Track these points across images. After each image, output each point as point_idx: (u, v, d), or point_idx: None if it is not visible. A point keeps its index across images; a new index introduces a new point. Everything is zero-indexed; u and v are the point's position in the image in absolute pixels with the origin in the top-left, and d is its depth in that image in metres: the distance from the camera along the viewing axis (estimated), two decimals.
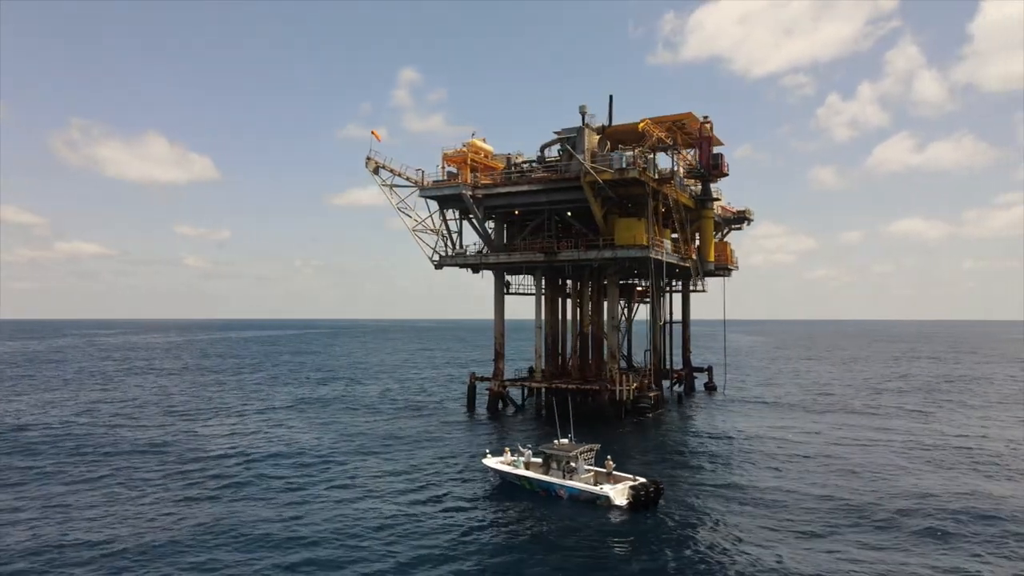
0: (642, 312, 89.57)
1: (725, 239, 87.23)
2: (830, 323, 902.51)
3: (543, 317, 71.96)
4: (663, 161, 68.68)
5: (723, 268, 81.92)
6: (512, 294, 75.71)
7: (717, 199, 77.65)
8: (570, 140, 63.19)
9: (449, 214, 71.06)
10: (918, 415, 69.78)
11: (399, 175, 67.03)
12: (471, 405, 73.60)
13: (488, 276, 73.78)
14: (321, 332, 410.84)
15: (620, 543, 30.56)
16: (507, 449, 43.29)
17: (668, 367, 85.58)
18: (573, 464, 38.47)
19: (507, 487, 40.21)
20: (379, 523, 33.06)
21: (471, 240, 76.90)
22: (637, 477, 37.81)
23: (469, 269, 72.46)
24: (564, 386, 66.82)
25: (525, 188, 64.81)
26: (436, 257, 70.61)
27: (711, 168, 73.77)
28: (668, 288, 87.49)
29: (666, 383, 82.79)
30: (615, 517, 34.12)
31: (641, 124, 64.81)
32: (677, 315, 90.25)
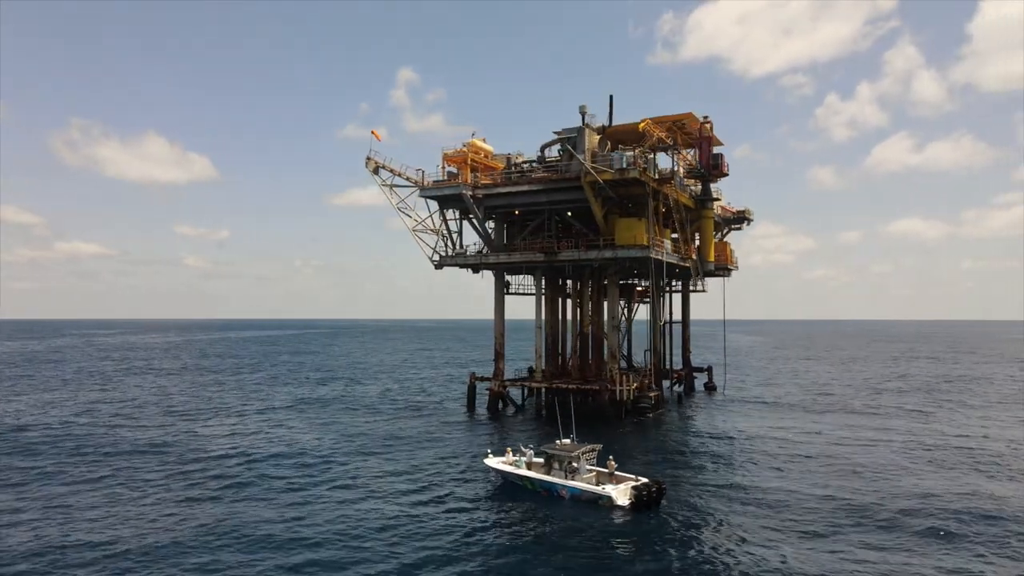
0: (642, 312, 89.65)
1: (725, 239, 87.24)
2: (828, 323, 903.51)
3: (543, 317, 71.96)
4: (663, 161, 68.81)
5: (723, 268, 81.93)
6: (512, 294, 75.74)
7: (717, 199, 77.67)
8: (570, 140, 63.18)
9: (449, 214, 71.06)
10: (918, 415, 69.82)
11: (399, 175, 67.01)
12: (471, 405, 73.59)
13: (488, 276, 73.79)
14: (320, 332, 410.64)
15: (623, 543, 30.53)
16: (509, 449, 43.28)
17: (668, 367, 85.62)
18: (575, 464, 38.45)
19: (509, 487, 40.20)
20: (381, 524, 33.02)
21: (471, 240, 77.01)
22: (639, 477, 37.80)
23: (469, 269, 72.45)
24: (564, 386, 66.84)
25: (525, 188, 64.80)
26: (436, 257, 70.60)
27: (711, 168, 73.80)
28: (668, 288, 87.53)
29: (666, 383, 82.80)
30: (617, 517, 34.11)
31: (642, 124, 64.82)
32: (677, 315, 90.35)
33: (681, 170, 72.26)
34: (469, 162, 67.66)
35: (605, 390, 63.49)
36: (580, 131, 63.02)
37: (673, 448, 52.38)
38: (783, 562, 28.10)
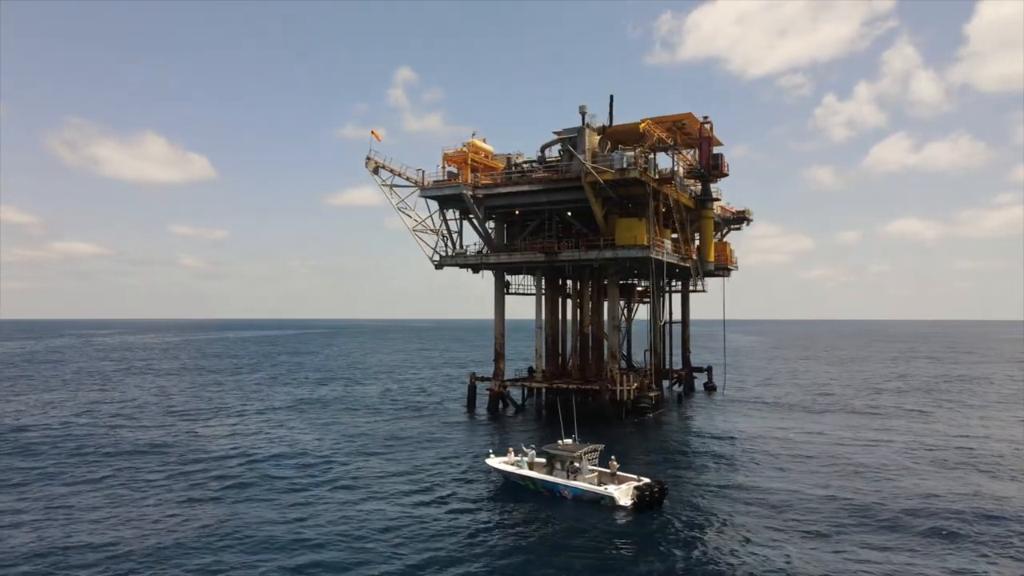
0: (642, 312, 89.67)
1: (724, 239, 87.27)
2: (826, 323, 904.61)
3: (543, 317, 71.96)
4: (663, 161, 68.85)
5: (723, 268, 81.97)
6: (512, 294, 75.71)
7: (717, 199, 77.74)
8: (571, 140, 63.14)
9: (449, 214, 71.02)
10: (918, 415, 69.90)
11: (399, 175, 66.95)
12: (471, 405, 73.58)
13: (488, 276, 73.78)
14: (319, 332, 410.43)
15: (627, 544, 30.51)
16: (510, 449, 43.28)
17: (668, 367, 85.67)
18: (577, 464, 38.44)
19: (511, 488, 40.18)
20: (384, 525, 32.98)
21: (471, 240, 76.98)
22: (641, 477, 37.80)
23: (469, 269, 72.42)
24: (564, 386, 66.89)
25: (526, 188, 64.78)
26: (436, 257, 70.56)
27: (711, 168, 73.86)
28: (668, 288, 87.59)
29: (665, 383, 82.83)
30: (620, 518, 34.09)
31: (642, 124, 64.83)
32: (676, 315, 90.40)
33: (681, 170, 72.31)
34: (469, 162, 67.63)
35: (605, 390, 63.49)
36: (580, 131, 63.00)
37: (674, 448, 52.39)
38: (787, 562, 28.10)
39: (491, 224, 72.06)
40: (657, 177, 61.77)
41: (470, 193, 64.90)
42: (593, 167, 59.46)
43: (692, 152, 76.01)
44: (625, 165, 59.11)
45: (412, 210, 68.82)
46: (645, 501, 35.21)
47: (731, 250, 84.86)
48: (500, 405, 71.54)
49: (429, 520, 33.82)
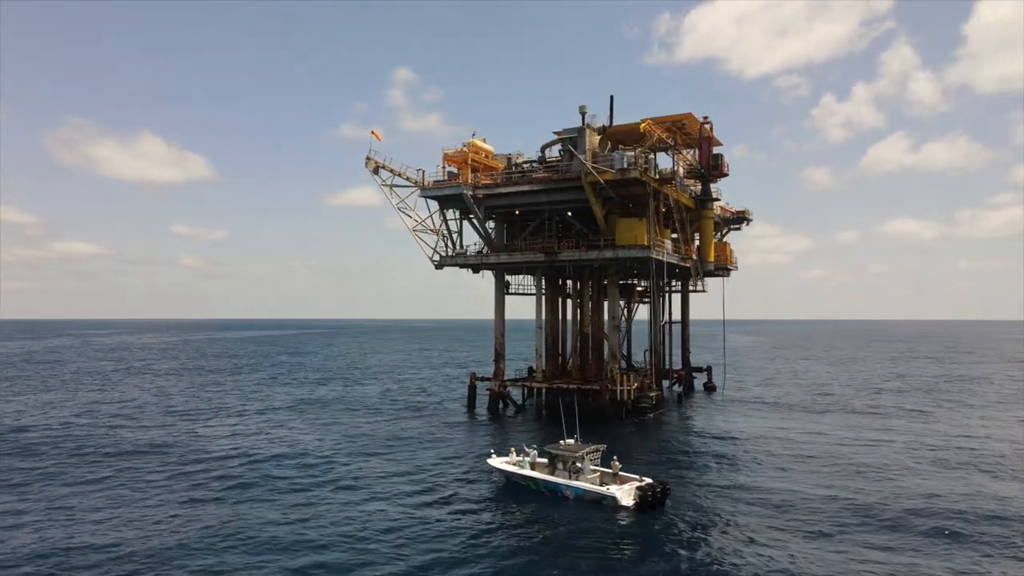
0: (642, 312, 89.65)
1: (724, 239, 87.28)
2: (825, 323, 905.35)
3: (543, 317, 71.93)
4: (663, 161, 68.84)
5: (723, 268, 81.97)
6: (512, 294, 75.70)
7: (717, 199, 77.75)
8: (571, 140, 63.14)
9: (449, 214, 71.00)
10: (919, 415, 69.94)
11: (399, 175, 66.91)
12: (471, 405, 73.58)
13: (488, 276, 73.77)
14: (318, 332, 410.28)
15: (631, 545, 30.50)
16: (512, 449, 43.25)
17: (668, 367, 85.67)
18: (579, 464, 38.42)
19: (512, 488, 40.16)
20: (387, 525, 32.94)
21: (471, 240, 76.94)
22: (643, 478, 37.78)
23: (469, 269, 72.40)
24: (565, 386, 66.90)
25: (526, 188, 64.76)
26: (437, 257, 70.53)
27: (711, 168, 73.87)
28: (668, 288, 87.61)
29: (665, 383, 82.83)
30: (623, 518, 34.07)
31: (643, 124, 64.82)
32: (676, 315, 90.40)
33: (681, 170, 72.34)
34: (469, 162, 67.61)
35: (606, 390, 63.48)
36: (581, 131, 62.99)
37: (675, 448, 52.38)
38: (791, 562, 28.10)
39: (491, 224, 72.04)
40: (657, 177, 61.76)
41: (470, 193, 64.88)
42: (594, 167, 59.45)
43: (692, 152, 76.05)
44: (626, 165, 59.10)
45: (412, 210, 68.87)
46: (647, 501, 35.19)
47: (731, 250, 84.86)
48: (500, 405, 71.54)
49: (432, 521, 33.78)
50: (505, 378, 72.54)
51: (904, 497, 37.86)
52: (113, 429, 60.96)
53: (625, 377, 65.41)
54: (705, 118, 72.66)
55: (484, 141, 70.89)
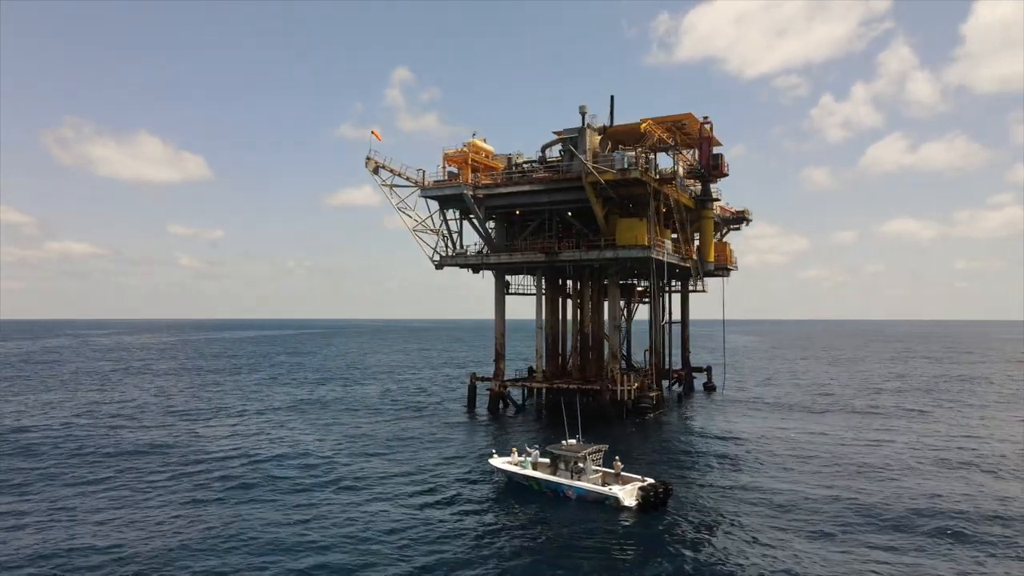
0: (642, 312, 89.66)
1: (724, 239, 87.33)
2: (823, 323, 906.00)
3: (543, 317, 71.90)
4: (663, 161, 68.87)
5: (723, 268, 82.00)
6: (512, 294, 75.68)
7: (717, 199, 77.78)
8: (572, 140, 63.11)
9: (449, 214, 70.95)
10: (919, 415, 70.00)
11: (399, 175, 66.87)
12: (471, 405, 73.57)
13: (487, 276, 73.76)
14: (316, 332, 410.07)
15: (635, 545, 30.50)
16: (514, 449, 43.28)
17: (667, 367, 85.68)
18: (581, 465, 38.40)
19: (514, 488, 40.14)
20: (390, 526, 32.89)
21: (471, 240, 76.94)
22: (646, 478, 37.77)
23: (470, 269, 72.40)
24: (565, 386, 66.88)
25: (526, 188, 64.75)
26: (437, 257, 70.49)
27: (711, 168, 73.89)
28: (667, 288, 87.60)
29: (665, 383, 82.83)
30: (626, 518, 34.05)
31: (643, 124, 64.79)
32: (676, 315, 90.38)
33: (681, 170, 72.37)
34: (470, 162, 67.56)
35: (606, 390, 63.48)
36: (581, 131, 62.97)
37: (676, 448, 52.39)
38: (796, 562, 28.09)
39: (491, 224, 71.98)
40: (658, 177, 61.78)
41: (471, 193, 64.85)
42: (594, 167, 59.44)
43: (692, 152, 76.08)
44: (626, 165, 59.10)
45: (412, 210, 68.82)
46: (650, 502, 35.16)
47: (731, 250, 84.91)
48: (500, 405, 71.54)
49: (434, 522, 33.74)
50: (505, 378, 72.54)
51: (906, 497, 37.89)
52: (113, 429, 60.88)
53: (625, 377, 65.41)
54: (705, 118, 72.69)
55: (484, 141, 70.87)
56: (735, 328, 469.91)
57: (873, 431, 59.82)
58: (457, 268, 72.44)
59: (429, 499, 38.02)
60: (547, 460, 40.63)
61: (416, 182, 67.54)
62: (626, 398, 63.93)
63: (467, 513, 35.46)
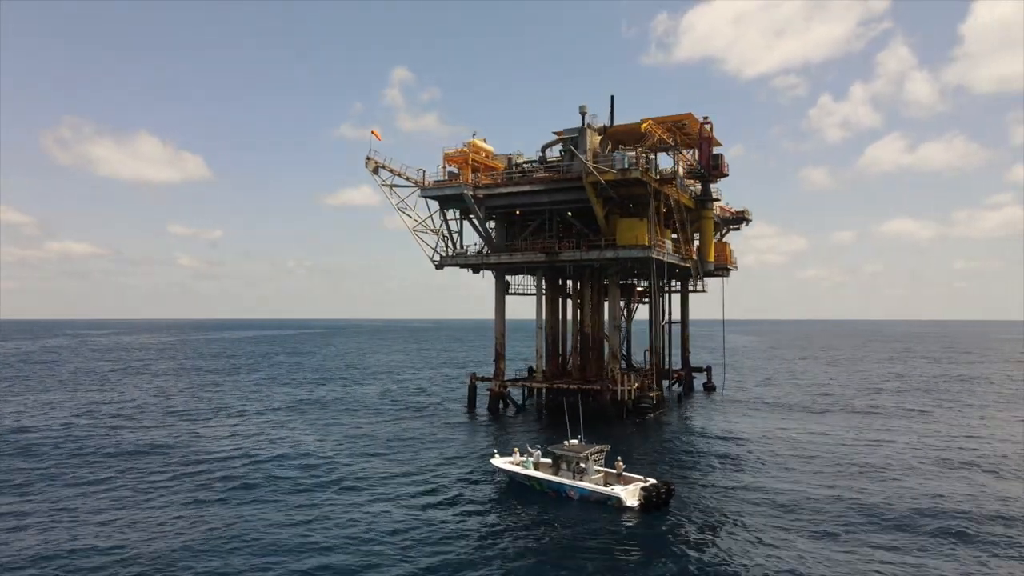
0: (642, 312, 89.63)
1: (724, 239, 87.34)
2: (822, 323, 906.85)
3: (543, 317, 71.87)
4: (663, 161, 68.88)
5: (723, 268, 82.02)
6: (512, 294, 75.66)
7: (717, 199, 77.79)
8: (572, 140, 63.11)
9: (450, 214, 70.92)
10: (919, 415, 70.05)
11: (399, 175, 66.84)
12: (472, 405, 73.54)
13: (487, 276, 73.74)
14: (316, 332, 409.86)
15: (638, 546, 30.47)
16: (516, 449, 43.26)
17: (667, 367, 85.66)
18: (583, 465, 38.38)
19: (516, 488, 40.11)
20: (392, 527, 32.83)
21: (471, 240, 76.92)
22: (648, 478, 37.76)
23: (470, 269, 72.38)
24: (565, 386, 66.85)
25: (527, 188, 64.73)
26: (437, 257, 70.46)
27: (711, 168, 73.90)
28: (667, 288, 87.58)
29: (664, 383, 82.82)
30: (628, 519, 34.04)
31: (644, 124, 64.80)
32: (676, 315, 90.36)
33: (681, 170, 72.38)
34: (470, 162, 67.53)
35: (606, 390, 63.46)
36: (582, 131, 62.97)
37: (677, 448, 52.38)
38: (800, 562, 28.07)
39: (491, 224, 71.96)
40: (658, 177, 61.78)
41: (471, 193, 64.81)
42: (595, 167, 59.43)
43: (692, 152, 76.10)
44: (627, 165, 59.11)
45: (412, 210, 68.79)
46: (652, 502, 35.15)
47: (731, 250, 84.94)
48: (501, 405, 71.52)
49: (437, 522, 33.69)
50: (505, 378, 72.52)
51: (908, 497, 37.90)
52: (114, 430, 60.79)
53: (625, 377, 65.40)
54: (705, 118, 72.71)
55: (484, 141, 70.84)
56: (734, 328, 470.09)
57: (874, 431, 59.85)
58: (457, 268, 72.43)
59: (431, 499, 37.98)
60: (549, 460, 40.61)
61: (416, 182, 67.52)
62: (626, 398, 63.91)
63: (470, 514, 35.42)
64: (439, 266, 70.79)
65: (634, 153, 60.23)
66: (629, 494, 35.85)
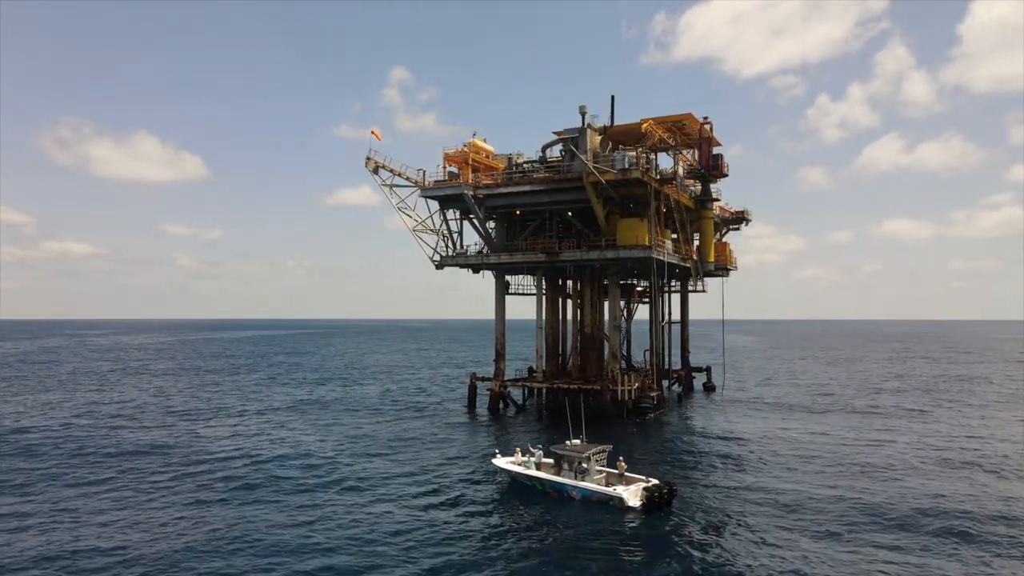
0: (642, 312, 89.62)
1: (724, 239, 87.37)
2: (820, 323, 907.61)
3: (543, 317, 71.84)
4: (663, 161, 68.89)
5: (723, 268, 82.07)
6: (512, 294, 75.65)
7: (717, 199, 77.80)
8: (573, 140, 63.14)
9: (450, 214, 70.89)
10: (919, 414, 70.09)
11: (399, 175, 66.82)
12: (472, 405, 73.52)
13: (487, 276, 73.72)
14: (314, 332, 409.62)
15: (642, 546, 30.43)
16: (517, 449, 43.25)
17: (667, 367, 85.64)
18: (585, 465, 38.35)
19: (518, 488, 40.08)
20: (395, 528, 32.78)
21: (472, 240, 76.92)
22: (650, 479, 37.76)
23: (470, 269, 72.36)
24: (565, 386, 66.84)
25: (527, 188, 64.71)
26: (437, 257, 70.44)
27: (711, 168, 73.91)
28: (667, 288, 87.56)
29: (664, 383, 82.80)
30: (631, 519, 34.02)
31: (644, 124, 64.80)
32: (675, 315, 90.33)
33: (681, 170, 72.38)
34: (470, 162, 67.53)
35: (607, 390, 63.45)
36: (582, 131, 63.01)
37: (678, 449, 52.38)
38: (805, 563, 28.06)
39: (492, 224, 71.93)
40: (659, 177, 61.80)
41: (471, 193, 64.79)
42: (595, 167, 59.43)
43: (692, 152, 76.11)
44: (627, 165, 59.12)
45: (412, 210, 68.76)
46: (654, 502, 35.14)
47: (731, 250, 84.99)
48: (501, 405, 71.51)
49: (440, 523, 33.64)
50: (505, 378, 72.50)
51: (910, 497, 37.91)
52: (114, 430, 60.70)
53: (626, 377, 65.39)
54: (705, 118, 72.71)
55: (484, 141, 70.83)
56: (732, 328, 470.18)
57: (874, 431, 59.88)
58: (457, 268, 72.41)
59: (433, 500, 37.94)
60: (551, 460, 40.59)
61: (416, 182, 67.49)
62: (626, 398, 63.90)
63: (472, 514, 35.38)
64: (439, 266, 70.75)
65: (634, 153, 60.23)
66: (631, 494, 35.83)
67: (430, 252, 70.11)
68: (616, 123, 67.88)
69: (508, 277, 73.58)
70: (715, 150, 74.97)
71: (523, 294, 78.17)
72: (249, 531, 32.45)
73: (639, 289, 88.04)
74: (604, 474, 39.15)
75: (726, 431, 60.06)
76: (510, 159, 71.47)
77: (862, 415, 69.60)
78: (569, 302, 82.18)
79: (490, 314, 74.30)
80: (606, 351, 68.53)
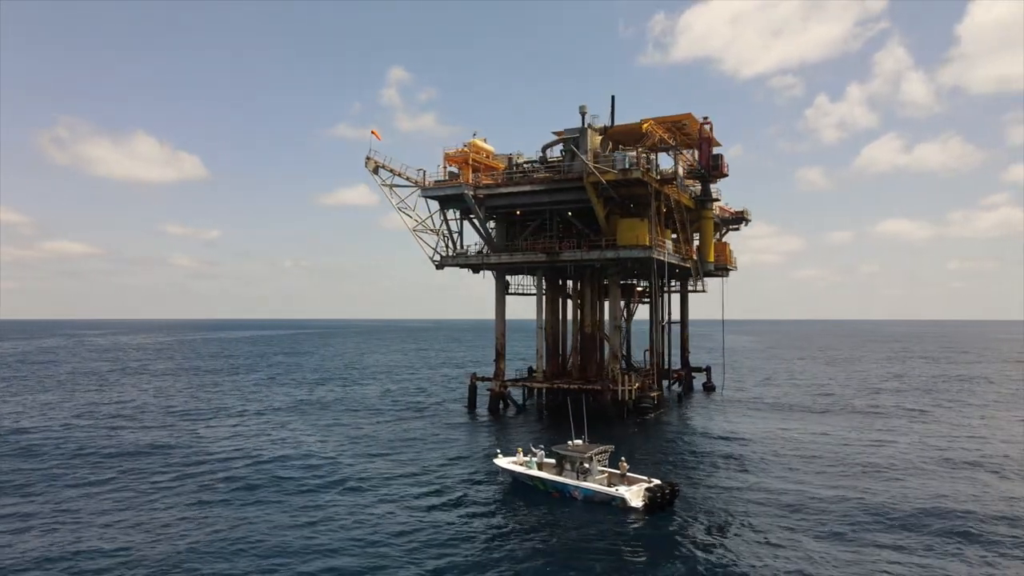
0: (642, 312, 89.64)
1: (724, 239, 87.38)
2: (819, 323, 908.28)
3: (544, 317, 71.84)
4: (664, 161, 68.85)
5: (723, 268, 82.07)
6: (512, 294, 75.63)
7: (717, 200, 77.81)
8: (573, 140, 63.14)
9: (450, 214, 70.85)
10: (919, 414, 70.15)
11: (399, 175, 66.78)
12: (472, 405, 73.49)
13: (487, 276, 73.71)
14: (313, 333, 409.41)
15: (645, 547, 30.42)
16: (519, 449, 43.24)
17: (667, 367, 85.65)
18: (587, 465, 38.34)
19: (520, 488, 40.06)
20: (398, 529, 32.74)
21: (472, 240, 76.88)
22: (652, 479, 37.75)
23: (470, 269, 72.34)
24: (565, 386, 66.83)
25: (527, 188, 64.69)
26: (437, 257, 70.40)
27: (711, 169, 73.91)
28: (667, 288, 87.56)
29: (664, 383, 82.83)
30: (633, 519, 34.00)
31: (644, 125, 64.79)
32: (675, 315, 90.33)
33: (681, 170, 72.37)
34: (470, 162, 67.50)
35: (607, 390, 63.45)
36: (583, 131, 63.02)
37: (679, 449, 52.38)
38: (808, 563, 28.06)
39: (492, 224, 71.90)
40: (659, 177, 61.80)
41: (471, 193, 64.76)
42: (596, 167, 59.43)
43: (692, 152, 76.10)
44: (627, 165, 59.13)
45: (412, 210, 68.72)
46: (656, 502, 35.13)
47: (730, 250, 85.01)
48: (501, 405, 71.49)
49: (442, 524, 33.61)
50: (505, 378, 72.48)
51: (912, 497, 37.94)
52: (114, 430, 60.62)
53: (626, 377, 65.39)
54: (705, 118, 72.70)
55: (485, 141, 70.80)
56: (732, 328, 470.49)
57: (875, 431, 59.91)
58: (457, 268, 72.38)
59: (436, 500, 37.91)
60: (553, 460, 40.57)
61: (416, 182, 67.46)
62: (627, 398, 63.91)
63: (475, 515, 35.36)
64: (439, 266, 70.72)
65: (635, 153, 60.24)
66: (633, 495, 35.82)
67: (430, 252, 70.12)
68: (616, 123, 67.87)
69: (508, 277, 73.57)
70: (715, 150, 74.97)
71: (523, 294, 78.23)
72: (252, 532, 32.41)
73: (639, 289, 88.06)
74: (606, 474, 39.14)
75: (727, 431, 60.06)
76: (510, 159, 71.45)
77: (862, 415, 69.65)
78: (569, 302, 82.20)
79: (490, 314, 74.31)
80: (606, 351, 68.53)
